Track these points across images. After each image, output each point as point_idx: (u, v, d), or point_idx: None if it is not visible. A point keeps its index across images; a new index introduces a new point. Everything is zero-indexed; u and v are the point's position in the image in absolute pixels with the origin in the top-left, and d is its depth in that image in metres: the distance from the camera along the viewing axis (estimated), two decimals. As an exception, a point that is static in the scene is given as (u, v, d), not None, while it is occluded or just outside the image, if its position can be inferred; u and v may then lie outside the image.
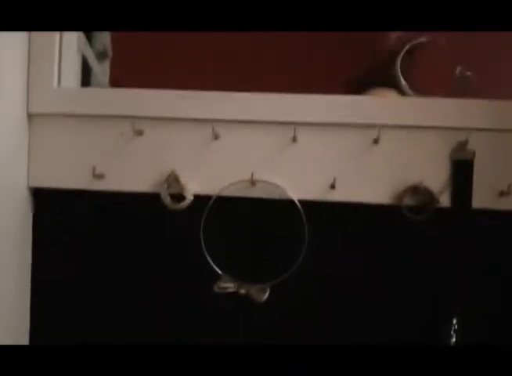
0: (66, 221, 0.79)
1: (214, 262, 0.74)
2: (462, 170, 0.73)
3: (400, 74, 0.91)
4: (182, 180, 0.75)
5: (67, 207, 0.79)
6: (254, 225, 0.76)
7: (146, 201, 0.77)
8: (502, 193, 0.72)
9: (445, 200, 0.73)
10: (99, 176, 0.77)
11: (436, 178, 0.73)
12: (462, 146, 0.73)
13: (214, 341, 0.75)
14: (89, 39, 0.95)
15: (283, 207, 0.75)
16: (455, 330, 0.70)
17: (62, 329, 0.79)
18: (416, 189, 0.73)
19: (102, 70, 1.03)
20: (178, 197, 0.76)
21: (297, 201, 0.74)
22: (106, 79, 1.04)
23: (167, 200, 0.76)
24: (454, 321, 0.71)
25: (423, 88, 0.86)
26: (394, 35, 0.92)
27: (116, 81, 1.02)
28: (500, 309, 0.73)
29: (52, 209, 0.79)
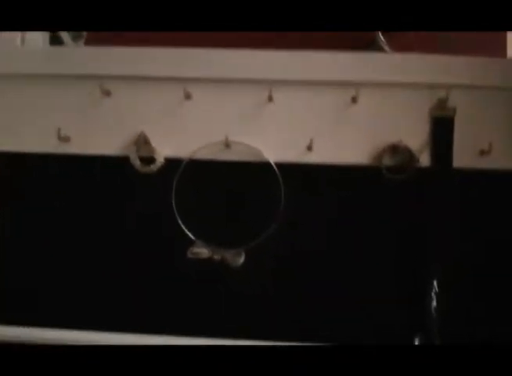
0: (29, 187, 0.75)
1: (186, 226, 0.71)
2: (442, 127, 0.71)
3: (381, 37, 0.89)
4: (152, 142, 0.72)
5: (31, 172, 0.75)
6: (228, 188, 0.73)
7: (115, 165, 0.73)
8: (483, 152, 0.70)
9: (425, 160, 0.71)
10: (64, 139, 0.73)
11: (416, 137, 0.71)
12: (442, 102, 0.70)
13: (189, 311, 0.73)
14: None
15: (258, 169, 0.72)
16: (436, 293, 0.69)
17: (24, 300, 0.75)
18: (395, 149, 0.71)
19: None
20: (149, 160, 0.72)
21: (273, 163, 0.72)
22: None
23: (136, 163, 0.73)
24: (435, 283, 0.69)
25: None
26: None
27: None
28: (482, 270, 0.70)
29: (15, 174, 0.75)
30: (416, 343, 0.67)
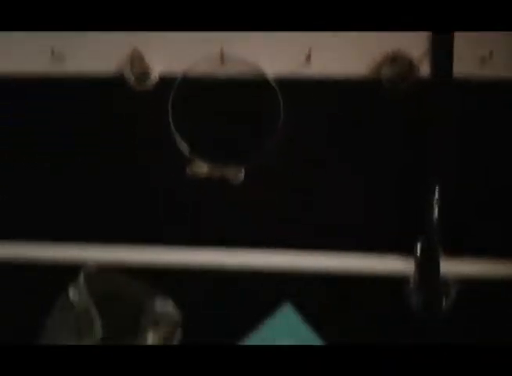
0: (23, 109, 0.74)
1: (185, 144, 0.71)
2: (442, 35, 0.69)
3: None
4: (147, 58, 0.71)
5: (26, 93, 0.73)
6: (226, 104, 0.72)
7: (110, 83, 0.72)
8: (483, 60, 0.69)
9: (425, 69, 0.70)
10: (58, 58, 0.72)
11: (415, 46, 0.69)
12: (442, 9, 0.69)
13: (190, 226, 0.73)
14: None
15: (255, 84, 0.71)
16: (436, 201, 0.69)
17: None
18: (394, 59, 0.70)
19: None
20: (143, 76, 0.71)
21: (270, 77, 0.70)
22: None
23: (131, 79, 0.71)
24: (436, 192, 0.69)
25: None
26: None
27: None
28: (481, 182, 0.71)
29: (9, 96, 0.74)
30: (419, 247, 0.68)
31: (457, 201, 0.69)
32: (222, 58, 0.70)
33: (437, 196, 0.68)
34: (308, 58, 0.69)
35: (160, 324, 0.70)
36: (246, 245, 0.72)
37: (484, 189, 0.70)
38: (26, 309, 0.71)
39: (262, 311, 0.71)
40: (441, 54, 0.69)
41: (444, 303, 0.68)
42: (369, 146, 0.72)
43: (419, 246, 0.69)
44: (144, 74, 0.71)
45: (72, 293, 0.71)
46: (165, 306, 0.71)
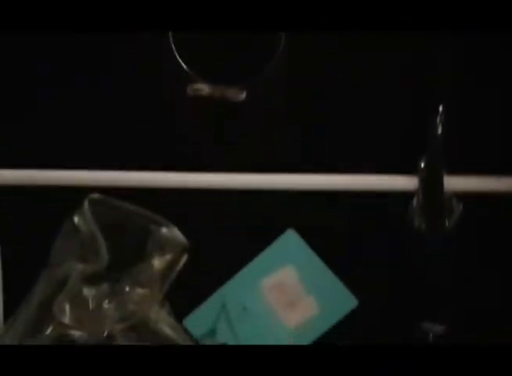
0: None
1: (186, 64, 0.69)
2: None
3: None
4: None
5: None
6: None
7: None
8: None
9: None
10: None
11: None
12: None
13: (189, 148, 0.73)
14: None
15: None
16: (440, 118, 0.68)
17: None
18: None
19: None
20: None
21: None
22: None
23: None
24: (440, 110, 0.68)
25: None
26: None
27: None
28: (485, 98, 0.71)
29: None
30: (423, 165, 0.68)
31: (461, 118, 0.69)
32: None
33: (441, 113, 0.68)
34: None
35: (166, 250, 0.71)
36: (252, 168, 0.72)
37: (488, 105, 0.71)
38: (31, 234, 0.72)
39: (267, 236, 0.71)
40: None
41: (447, 221, 0.68)
42: (372, 65, 0.71)
43: (422, 163, 0.69)
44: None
45: (77, 219, 0.71)
46: (171, 232, 0.71)
